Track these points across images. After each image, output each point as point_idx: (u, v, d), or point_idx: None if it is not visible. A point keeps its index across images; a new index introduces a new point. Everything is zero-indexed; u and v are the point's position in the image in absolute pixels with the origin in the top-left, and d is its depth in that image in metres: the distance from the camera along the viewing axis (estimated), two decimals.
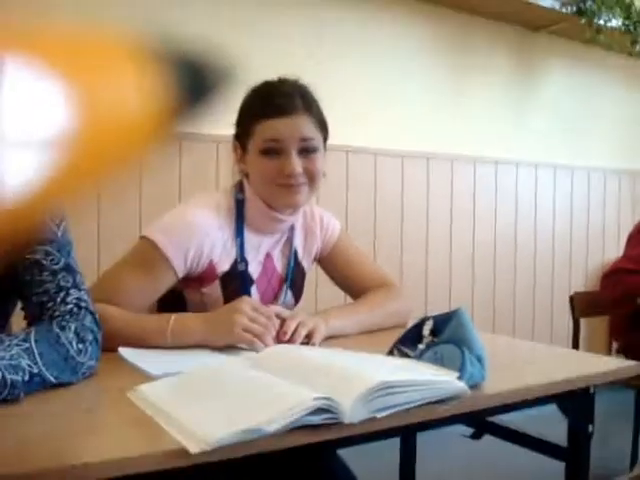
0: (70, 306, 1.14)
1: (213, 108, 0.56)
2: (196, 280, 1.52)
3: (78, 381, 1.08)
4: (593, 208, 4.11)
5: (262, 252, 1.60)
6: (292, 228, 1.66)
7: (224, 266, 1.52)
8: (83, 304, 1.16)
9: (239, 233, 1.54)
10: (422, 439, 1.78)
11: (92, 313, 1.17)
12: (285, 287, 1.63)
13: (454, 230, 3.53)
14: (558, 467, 1.33)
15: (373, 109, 3.20)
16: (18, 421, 0.90)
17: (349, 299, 1.76)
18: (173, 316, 1.35)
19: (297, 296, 1.69)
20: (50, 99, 0.49)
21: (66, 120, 0.49)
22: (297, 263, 1.67)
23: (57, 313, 1.13)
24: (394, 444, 1.83)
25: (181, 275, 1.47)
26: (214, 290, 1.53)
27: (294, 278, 1.65)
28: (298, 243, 1.68)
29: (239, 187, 1.58)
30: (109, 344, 1.24)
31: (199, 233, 1.46)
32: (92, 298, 1.25)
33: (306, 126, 1.49)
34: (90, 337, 1.12)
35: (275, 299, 1.62)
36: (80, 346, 1.09)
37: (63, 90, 0.49)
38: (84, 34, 0.53)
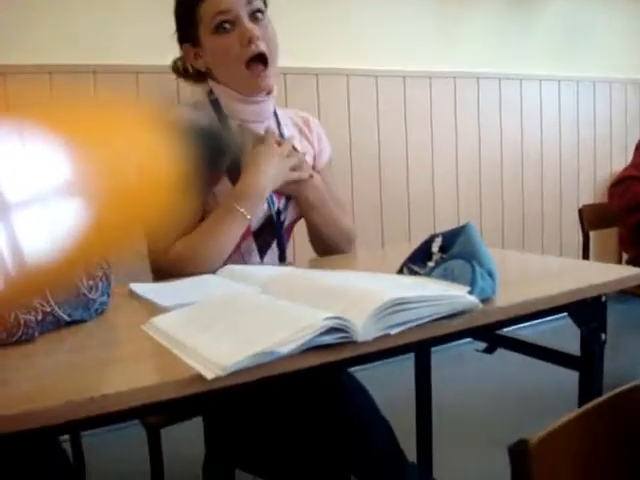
0: None
1: (224, 169, 0.61)
2: (206, 186, 1.51)
3: (91, 318, 1.08)
4: (599, 120, 4.05)
5: None
6: (275, 115, 1.64)
7: None
8: None
9: (225, 122, 1.54)
10: (436, 357, 1.80)
11: None
12: None
13: (459, 147, 3.50)
14: (572, 378, 1.35)
15: (374, 30, 3.13)
16: (35, 360, 0.91)
17: None
18: (231, 197, 1.45)
19: None
20: (75, 167, 0.51)
21: (93, 183, 0.52)
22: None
23: None
24: (409, 365, 1.85)
25: None
26: (224, 186, 1.51)
27: None
28: (295, 139, 1.64)
29: (209, 92, 1.57)
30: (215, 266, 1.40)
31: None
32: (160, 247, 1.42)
33: None
34: (99, 273, 1.12)
35: None
36: (90, 283, 1.09)
37: (91, 158, 0.52)
38: (107, 105, 0.57)
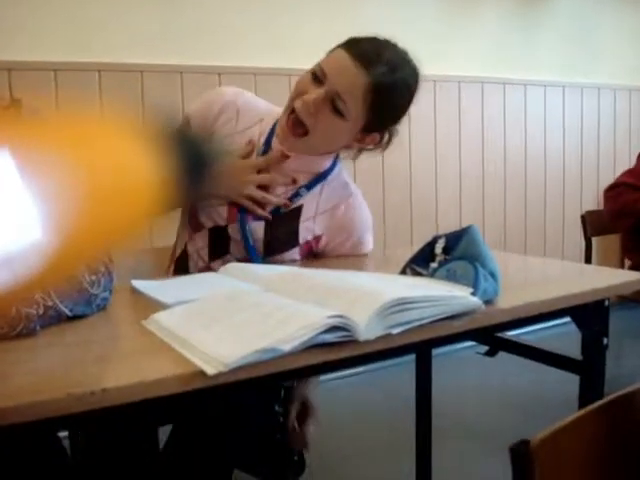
0: None
1: (208, 181, 0.62)
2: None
3: (93, 313, 1.08)
4: (603, 126, 4.05)
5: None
6: (319, 178, 1.55)
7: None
8: None
9: (267, 140, 1.53)
10: (438, 360, 1.80)
11: None
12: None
13: (463, 151, 3.50)
14: (574, 382, 1.34)
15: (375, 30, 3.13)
16: (35, 354, 0.90)
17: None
18: None
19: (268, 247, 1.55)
20: (56, 176, 0.52)
21: (74, 193, 0.52)
22: (295, 215, 1.55)
23: None
24: (410, 367, 1.85)
25: None
26: None
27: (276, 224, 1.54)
28: (309, 207, 1.55)
29: None
30: None
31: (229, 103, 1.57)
32: None
33: (356, 91, 1.37)
34: (102, 269, 1.12)
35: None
36: (92, 278, 1.09)
37: (72, 167, 0.53)
38: (92, 114, 0.58)
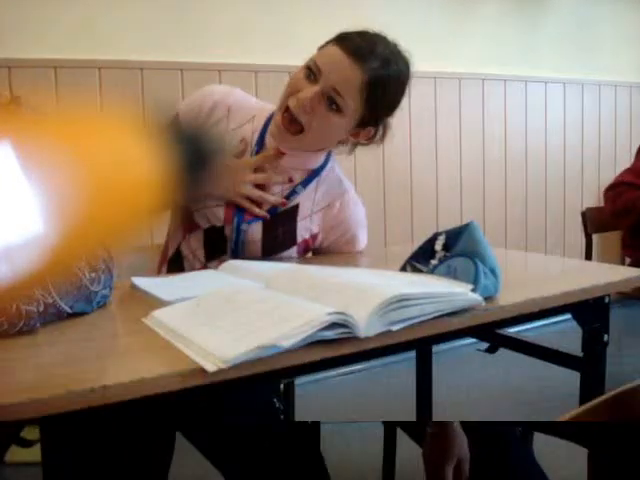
0: None
1: (209, 176, 0.62)
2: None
3: (93, 311, 1.08)
4: (604, 123, 4.04)
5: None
6: (314, 173, 1.55)
7: None
8: None
9: (261, 139, 1.52)
10: (439, 358, 1.80)
11: None
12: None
13: (464, 149, 3.49)
14: (574, 379, 1.34)
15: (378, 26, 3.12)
16: (35, 350, 0.90)
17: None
18: None
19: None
20: (55, 171, 0.51)
21: (74, 188, 0.52)
22: (292, 214, 1.55)
23: None
24: (410, 364, 1.85)
25: None
26: None
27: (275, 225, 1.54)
28: (305, 202, 1.55)
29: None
30: None
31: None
32: None
33: (352, 86, 1.37)
34: (102, 266, 1.11)
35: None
36: (92, 275, 1.08)
37: (71, 162, 0.52)
38: (91, 110, 0.58)
